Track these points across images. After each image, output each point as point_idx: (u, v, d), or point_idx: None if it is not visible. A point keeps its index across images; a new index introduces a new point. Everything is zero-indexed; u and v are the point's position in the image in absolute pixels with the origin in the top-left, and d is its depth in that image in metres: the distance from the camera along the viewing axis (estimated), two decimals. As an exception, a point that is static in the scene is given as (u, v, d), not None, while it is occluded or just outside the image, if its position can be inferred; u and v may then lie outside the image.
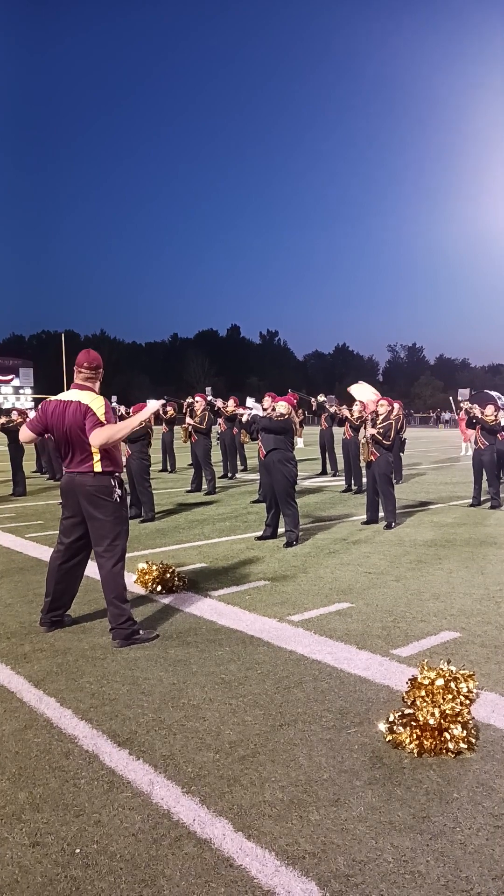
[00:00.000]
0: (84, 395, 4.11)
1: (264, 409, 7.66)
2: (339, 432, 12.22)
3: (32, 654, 3.96)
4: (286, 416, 7.14)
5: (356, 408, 11.21)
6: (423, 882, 2.02)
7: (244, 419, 7.43)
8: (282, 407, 7.24)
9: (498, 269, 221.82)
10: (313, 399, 11.25)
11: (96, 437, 3.94)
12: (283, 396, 7.70)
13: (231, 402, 13.84)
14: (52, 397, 4.31)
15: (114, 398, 14.30)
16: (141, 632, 4.16)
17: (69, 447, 4.10)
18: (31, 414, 15.66)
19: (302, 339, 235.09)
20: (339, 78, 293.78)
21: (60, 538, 4.32)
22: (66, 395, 4.19)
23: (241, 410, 7.18)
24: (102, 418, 4.00)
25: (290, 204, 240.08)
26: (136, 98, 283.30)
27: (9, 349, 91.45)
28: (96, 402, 4.07)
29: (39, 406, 4.39)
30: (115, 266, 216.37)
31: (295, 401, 8.68)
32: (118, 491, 4.13)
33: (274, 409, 7.32)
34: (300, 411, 16.36)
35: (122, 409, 11.26)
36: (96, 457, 4.07)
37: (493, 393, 15.37)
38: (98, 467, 4.07)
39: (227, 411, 13.12)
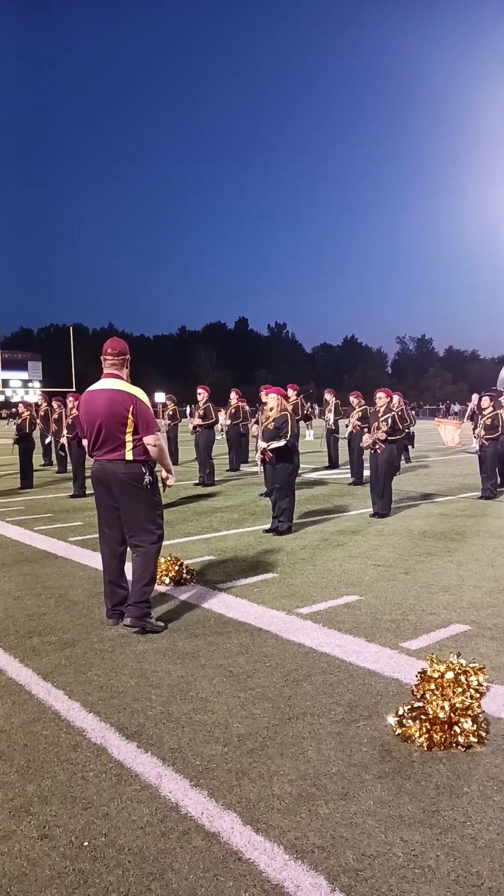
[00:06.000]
0: (121, 384, 4.12)
1: (260, 414, 7.67)
2: (343, 424, 12.20)
3: (41, 646, 3.96)
4: (281, 411, 7.12)
5: (353, 401, 11.37)
6: (432, 877, 2.00)
7: (260, 457, 7.32)
8: (272, 400, 7.24)
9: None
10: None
11: (153, 439, 4.08)
12: (274, 388, 7.66)
13: (234, 396, 13.91)
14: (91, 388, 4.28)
15: None
16: (153, 620, 4.19)
17: (100, 435, 4.08)
18: (40, 402, 15.65)
19: (310, 332, 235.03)
20: (346, 72, 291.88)
21: (103, 529, 4.31)
22: (100, 384, 4.18)
23: (262, 444, 7.19)
24: (148, 404, 4.14)
25: (299, 198, 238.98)
26: (146, 96, 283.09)
27: (17, 343, 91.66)
28: (139, 392, 4.10)
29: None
30: (123, 259, 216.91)
31: (294, 393, 8.61)
32: (149, 477, 4.14)
33: (266, 404, 7.32)
34: (308, 405, 16.38)
35: None
36: (129, 445, 4.07)
37: None
38: (130, 455, 4.07)
39: (230, 412, 13.42)
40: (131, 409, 4.03)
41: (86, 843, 2.18)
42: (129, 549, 4.28)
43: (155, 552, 4.22)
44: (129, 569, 4.31)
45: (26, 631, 4.24)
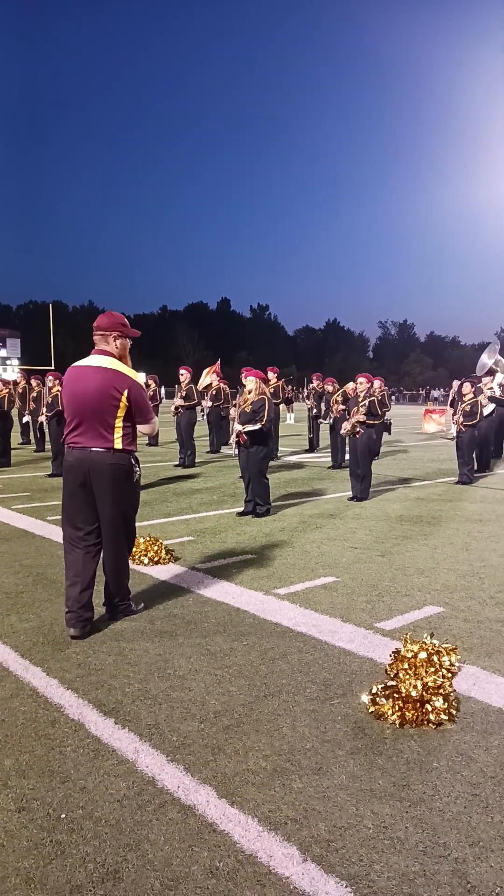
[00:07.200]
0: (113, 362, 3.73)
1: (239, 396, 7.66)
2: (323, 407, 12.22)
3: (18, 624, 3.97)
4: (259, 394, 7.13)
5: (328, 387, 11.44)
6: (401, 847, 2.07)
7: (235, 440, 7.31)
8: (250, 383, 7.25)
9: (489, 246, 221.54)
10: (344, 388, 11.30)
11: (149, 428, 3.84)
12: (254, 370, 7.66)
13: (214, 376, 13.92)
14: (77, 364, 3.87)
15: None
16: (132, 605, 4.17)
17: (84, 417, 3.67)
18: (18, 380, 15.46)
19: (293, 314, 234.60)
20: (334, 54, 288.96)
21: (75, 526, 3.79)
22: (88, 360, 3.79)
23: (238, 427, 7.15)
24: (144, 388, 3.84)
25: (284, 179, 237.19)
26: (133, 74, 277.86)
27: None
28: (135, 375, 3.77)
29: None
30: (105, 236, 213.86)
31: (275, 376, 8.58)
32: (137, 469, 3.83)
33: (245, 387, 7.32)
34: (289, 388, 16.44)
35: None
36: (118, 432, 3.69)
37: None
38: (119, 444, 3.70)
39: (211, 393, 13.39)
40: (126, 392, 3.66)
41: (63, 816, 2.22)
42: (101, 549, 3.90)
43: (128, 550, 3.99)
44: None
45: (4, 609, 4.24)
